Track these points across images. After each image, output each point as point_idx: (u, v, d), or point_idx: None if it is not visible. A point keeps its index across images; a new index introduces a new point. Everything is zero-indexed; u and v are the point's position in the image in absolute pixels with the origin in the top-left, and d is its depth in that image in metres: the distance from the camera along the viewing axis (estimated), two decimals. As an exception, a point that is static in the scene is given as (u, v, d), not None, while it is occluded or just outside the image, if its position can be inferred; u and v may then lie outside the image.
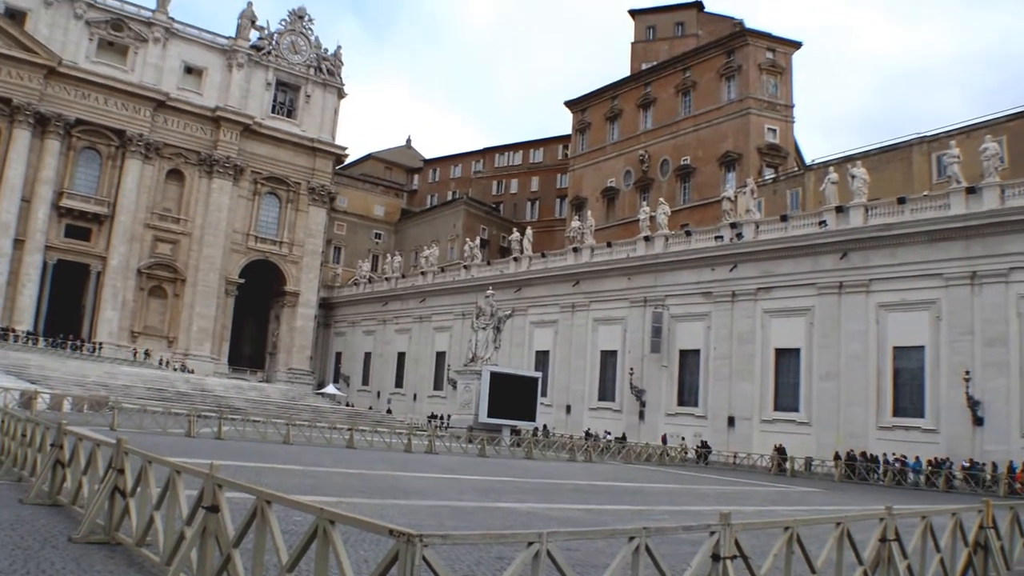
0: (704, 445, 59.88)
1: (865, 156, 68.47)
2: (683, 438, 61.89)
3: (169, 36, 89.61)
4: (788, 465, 52.27)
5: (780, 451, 55.43)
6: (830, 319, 56.23)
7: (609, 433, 66.90)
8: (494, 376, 57.77)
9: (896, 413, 52.09)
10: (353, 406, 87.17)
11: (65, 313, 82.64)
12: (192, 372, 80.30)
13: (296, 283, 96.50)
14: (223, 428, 39.18)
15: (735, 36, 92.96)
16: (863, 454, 50.92)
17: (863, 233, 55.16)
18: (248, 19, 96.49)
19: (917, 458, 48.62)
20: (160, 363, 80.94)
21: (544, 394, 69.49)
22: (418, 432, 53.73)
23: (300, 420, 52.24)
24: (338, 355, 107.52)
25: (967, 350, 48.91)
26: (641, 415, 66.70)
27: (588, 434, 66.08)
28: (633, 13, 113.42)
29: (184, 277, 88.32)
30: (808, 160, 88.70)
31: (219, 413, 45.15)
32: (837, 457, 51.80)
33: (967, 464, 46.41)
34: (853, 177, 57.29)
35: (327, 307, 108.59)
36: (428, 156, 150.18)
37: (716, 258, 64.30)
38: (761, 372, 59.87)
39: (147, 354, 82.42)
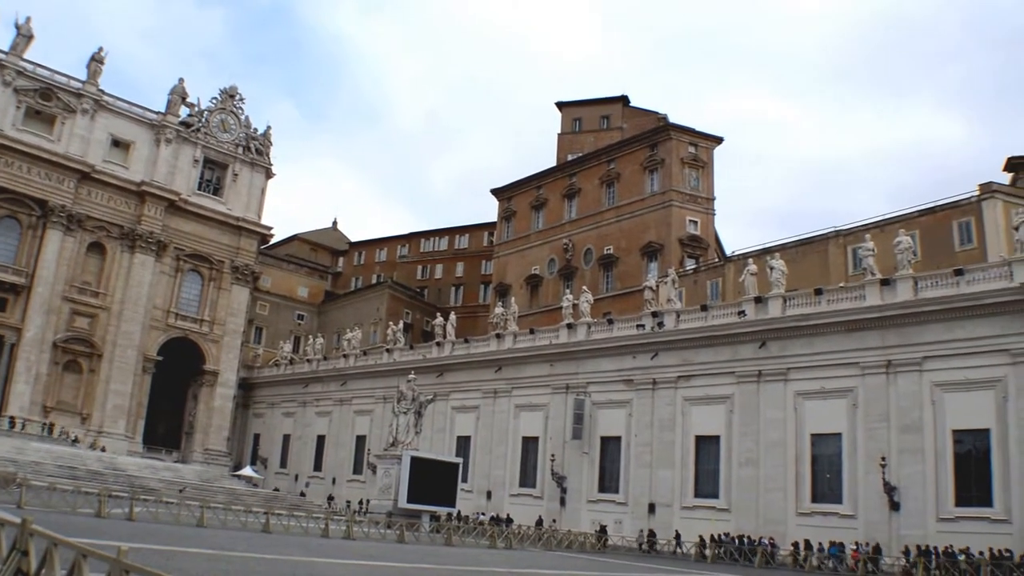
0: (602, 530, 60.06)
1: (783, 248, 70.37)
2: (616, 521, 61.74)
3: (98, 108, 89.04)
4: (709, 551, 52.46)
5: (651, 534, 57.63)
6: (749, 407, 57.11)
7: (482, 514, 67.55)
8: (415, 461, 57.18)
9: (815, 499, 52.86)
10: (278, 489, 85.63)
11: (-26, 385, 79.97)
12: (105, 450, 78.09)
13: (216, 362, 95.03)
14: (135, 509, 38.14)
15: (658, 131, 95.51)
16: (743, 538, 51.46)
17: (781, 323, 56.47)
18: (179, 95, 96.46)
19: (833, 543, 49.19)
20: (72, 440, 78.51)
21: (465, 480, 68.96)
22: (336, 517, 52.87)
23: (215, 502, 51.03)
24: (256, 436, 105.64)
25: (883, 437, 50.05)
26: (562, 501, 66.48)
27: (495, 519, 65.66)
28: (560, 105, 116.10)
29: (101, 352, 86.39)
30: (728, 251, 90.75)
31: (132, 493, 43.97)
32: (702, 542, 52.81)
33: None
34: (772, 269, 58.79)
35: (246, 387, 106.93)
36: (354, 239, 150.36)
37: (637, 346, 65.05)
38: (681, 459, 60.31)
39: (50, 428, 79.74)
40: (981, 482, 46.55)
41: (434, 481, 58.23)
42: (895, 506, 48.47)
